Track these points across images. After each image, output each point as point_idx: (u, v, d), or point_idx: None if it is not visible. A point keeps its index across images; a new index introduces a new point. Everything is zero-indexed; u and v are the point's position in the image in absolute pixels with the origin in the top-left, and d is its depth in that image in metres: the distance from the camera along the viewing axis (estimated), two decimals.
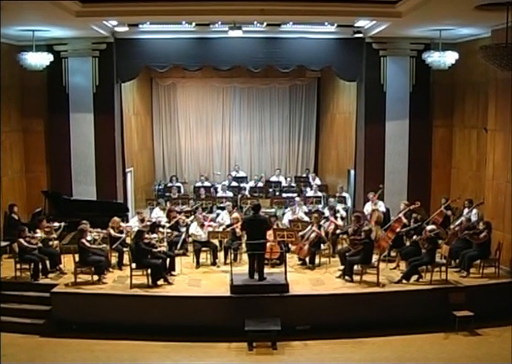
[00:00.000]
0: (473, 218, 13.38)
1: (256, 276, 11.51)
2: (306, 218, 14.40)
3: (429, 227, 12.17)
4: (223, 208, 15.27)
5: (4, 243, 13.38)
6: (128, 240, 13.21)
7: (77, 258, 11.87)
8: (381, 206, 14.51)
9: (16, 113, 14.95)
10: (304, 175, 19.26)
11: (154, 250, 11.94)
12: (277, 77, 19.35)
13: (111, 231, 12.96)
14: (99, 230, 12.85)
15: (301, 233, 13.17)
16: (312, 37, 15.12)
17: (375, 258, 12.21)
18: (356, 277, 11.96)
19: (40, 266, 11.97)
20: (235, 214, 13.87)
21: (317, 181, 18.43)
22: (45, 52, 13.54)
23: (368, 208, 14.62)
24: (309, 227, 13.27)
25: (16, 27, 12.63)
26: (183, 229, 13.88)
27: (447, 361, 9.94)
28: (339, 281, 12.06)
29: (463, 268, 12.32)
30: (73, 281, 11.77)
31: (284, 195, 17.45)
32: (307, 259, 13.06)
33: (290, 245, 13.67)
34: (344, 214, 15.02)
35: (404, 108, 15.55)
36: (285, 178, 18.92)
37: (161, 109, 20.45)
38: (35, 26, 12.76)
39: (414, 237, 12.35)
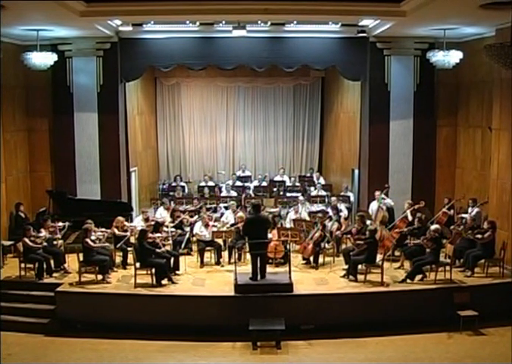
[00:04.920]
0: (473, 213, 13.41)
1: (258, 276, 11.51)
2: (307, 218, 14.41)
3: (433, 227, 12.15)
4: (227, 208, 15.28)
5: (8, 243, 13.43)
6: (132, 240, 13.21)
7: (81, 258, 11.88)
8: (387, 201, 14.50)
9: (20, 113, 14.99)
10: (308, 174, 19.25)
11: (158, 250, 11.94)
12: (281, 77, 19.33)
13: (116, 231, 12.98)
14: (104, 229, 12.87)
15: (310, 237, 13.18)
16: (316, 36, 15.10)
17: (379, 257, 12.20)
18: (360, 277, 11.96)
19: (44, 265, 12.01)
20: (240, 214, 13.85)
21: (321, 181, 18.42)
22: (50, 52, 13.56)
23: (374, 207, 14.60)
24: (314, 228, 13.25)
25: (20, 27, 12.65)
26: (187, 228, 13.89)
27: (451, 361, 9.92)
28: (343, 281, 12.06)
29: (467, 267, 12.29)
30: (78, 280, 11.80)
31: (288, 194, 17.46)
32: (311, 259, 13.06)
33: (294, 244, 13.66)
34: (346, 213, 14.99)
35: (409, 108, 15.52)
36: (289, 178, 18.94)
37: (165, 109, 20.45)
38: (40, 26, 12.77)
39: (416, 241, 12.31)
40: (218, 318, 11.06)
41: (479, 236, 12.23)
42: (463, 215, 13.38)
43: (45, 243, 12.18)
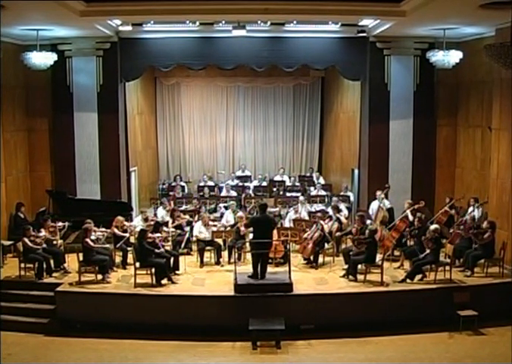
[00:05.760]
0: (477, 215, 13.39)
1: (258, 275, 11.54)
2: (307, 218, 14.40)
3: (432, 227, 12.14)
4: (227, 208, 15.28)
5: (8, 243, 13.43)
6: (132, 239, 13.21)
7: (81, 258, 11.88)
8: (385, 202, 14.49)
9: (20, 112, 14.97)
10: (308, 174, 19.28)
11: (157, 251, 11.94)
12: (281, 76, 19.38)
13: (116, 231, 12.98)
14: (104, 229, 12.86)
15: (305, 235, 13.16)
16: (316, 36, 15.10)
17: (379, 257, 12.20)
18: (360, 277, 11.95)
19: (44, 265, 12.00)
20: (240, 214, 13.85)
21: (321, 180, 18.44)
22: (49, 52, 13.58)
23: (374, 206, 14.59)
24: (314, 226, 13.25)
25: (20, 27, 12.65)
26: (187, 228, 13.89)
27: (451, 361, 9.92)
28: (343, 280, 12.05)
29: (467, 267, 12.29)
30: (78, 280, 11.79)
31: (288, 194, 17.47)
32: (311, 258, 13.05)
33: (294, 244, 13.66)
34: (347, 213, 14.98)
35: (408, 107, 15.52)
36: (289, 177, 18.96)
37: (165, 108, 20.49)
38: (40, 26, 12.78)
39: (419, 249, 12.26)
40: (218, 317, 11.06)
41: (480, 236, 12.21)
42: (467, 217, 13.31)
43: (44, 245, 12.19)
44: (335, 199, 15.42)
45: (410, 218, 13.30)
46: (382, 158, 15.57)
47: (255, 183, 18.40)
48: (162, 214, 14.75)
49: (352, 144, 17.78)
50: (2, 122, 13.74)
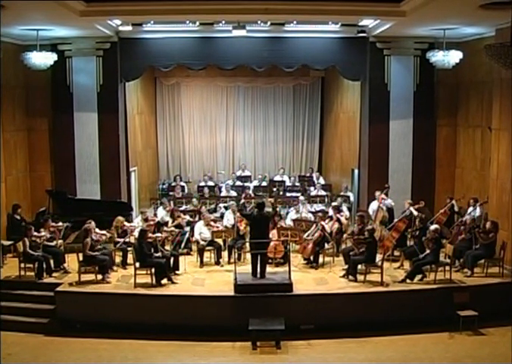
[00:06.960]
0: (477, 215, 13.39)
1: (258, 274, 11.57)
2: (310, 217, 14.38)
3: (432, 227, 12.14)
4: (227, 208, 15.26)
5: (7, 243, 13.42)
6: (132, 239, 13.20)
7: (81, 258, 11.87)
8: (388, 202, 14.45)
9: (20, 112, 14.98)
10: (308, 174, 19.27)
11: (156, 255, 11.94)
12: (281, 76, 19.37)
13: (115, 234, 12.96)
14: (104, 232, 12.83)
15: (305, 235, 13.15)
16: (316, 36, 15.11)
17: (379, 257, 12.20)
18: (360, 277, 11.95)
19: (44, 265, 12.00)
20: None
21: (321, 180, 18.43)
22: (49, 52, 13.58)
23: (374, 207, 14.58)
24: (313, 226, 13.24)
25: (20, 27, 12.65)
26: (187, 228, 13.88)
27: (451, 361, 9.91)
28: (343, 281, 12.05)
29: (467, 267, 12.27)
30: (77, 280, 11.78)
31: (288, 194, 17.46)
32: (311, 258, 13.05)
33: (294, 244, 13.66)
34: (348, 214, 14.95)
35: (408, 108, 15.52)
36: (289, 177, 18.94)
37: (165, 108, 20.49)
38: (40, 26, 12.77)
39: (419, 249, 12.23)
40: (218, 317, 11.05)
41: (484, 236, 12.20)
42: (466, 217, 13.30)
43: (46, 242, 12.20)
44: (339, 200, 15.36)
45: (415, 213, 13.20)
46: (382, 158, 15.58)
47: (255, 183, 18.40)
48: (162, 214, 14.73)
49: (352, 144, 17.78)
50: (2, 122, 13.74)
